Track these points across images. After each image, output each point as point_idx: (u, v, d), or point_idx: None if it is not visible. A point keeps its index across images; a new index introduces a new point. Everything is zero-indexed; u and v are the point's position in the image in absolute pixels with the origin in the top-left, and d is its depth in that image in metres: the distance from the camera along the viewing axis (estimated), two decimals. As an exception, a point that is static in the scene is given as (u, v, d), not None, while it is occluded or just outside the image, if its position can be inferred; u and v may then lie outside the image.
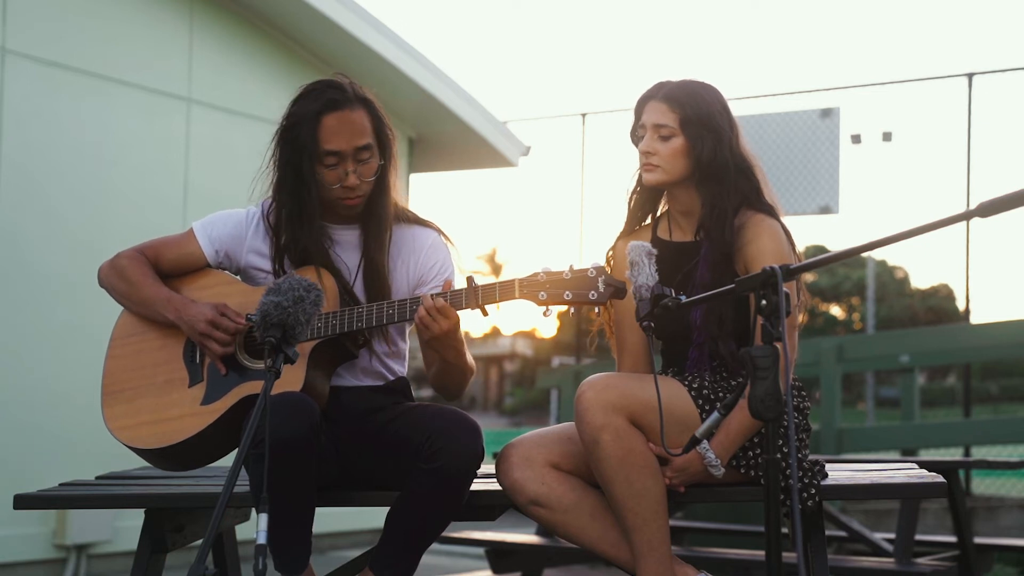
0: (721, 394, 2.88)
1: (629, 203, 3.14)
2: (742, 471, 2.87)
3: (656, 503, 2.79)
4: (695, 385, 2.89)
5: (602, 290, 2.67)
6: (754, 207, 2.97)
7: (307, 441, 2.72)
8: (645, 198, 3.13)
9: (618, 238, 3.15)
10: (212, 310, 2.94)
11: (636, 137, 3.06)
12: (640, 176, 3.07)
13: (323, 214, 3.04)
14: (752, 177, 3.00)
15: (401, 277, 3.07)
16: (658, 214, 3.16)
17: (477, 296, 2.78)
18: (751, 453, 2.86)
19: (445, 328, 2.79)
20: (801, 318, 3.04)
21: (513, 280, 2.76)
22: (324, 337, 2.88)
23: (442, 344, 2.85)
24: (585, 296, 2.68)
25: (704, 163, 2.94)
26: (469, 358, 2.97)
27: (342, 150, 2.93)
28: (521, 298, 2.73)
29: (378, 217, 3.03)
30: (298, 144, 2.94)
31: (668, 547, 2.83)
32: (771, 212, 2.98)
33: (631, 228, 3.14)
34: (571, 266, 2.71)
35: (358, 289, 3.03)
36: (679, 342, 3.01)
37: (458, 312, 2.80)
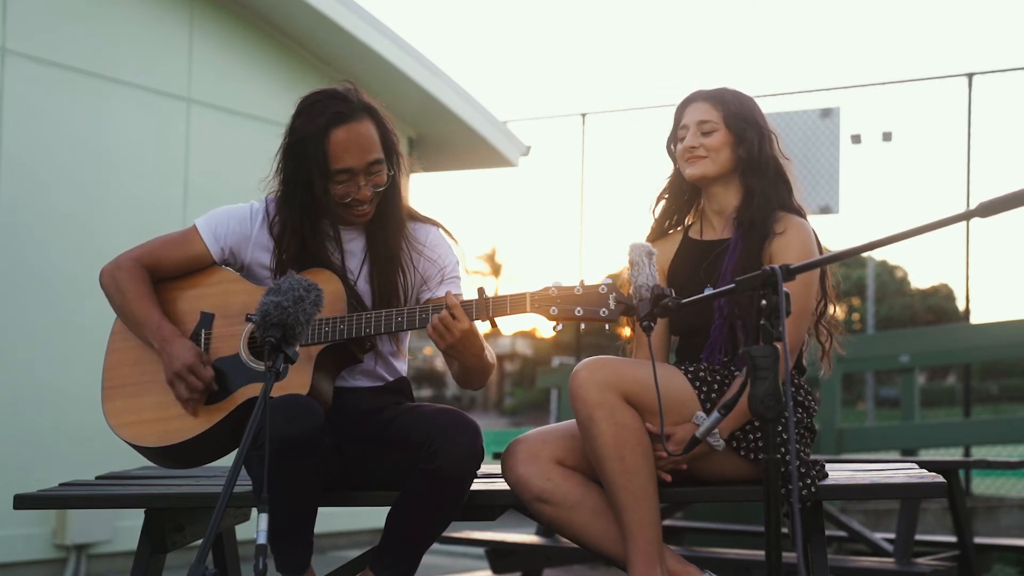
0: (719, 377, 2.92)
1: (656, 210, 3.21)
2: (742, 453, 2.88)
3: (647, 482, 2.81)
4: (691, 368, 2.92)
5: (613, 307, 2.68)
6: (786, 209, 3.06)
7: (311, 441, 2.71)
8: (675, 204, 3.20)
9: (648, 241, 3.15)
10: (195, 356, 2.90)
11: (675, 140, 3.13)
12: (669, 182, 3.17)
13: (331, 216, 3.03)
14: (787, 182, 3.10)
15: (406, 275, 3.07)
16: (688, 221, 3.22)
17: (488, 308, 2.78)
18: (751, 436, 2.88)
19: (458, 335, 2.78)
20: (835, 311, 3.19)
21: (524, 294, 2.76)
22: (332, 342, 2.88)
23: (458, 351, 2.83)
24: (596, 313, 2.68)
25: (750, 156, 3.03)
26: (489, 355, 2.96)
27: (354, 167, 2.92)
28: (532, 312, 2.74)
29: (391, 220, 3.02)
30: (306, 160, 2.91)
31: (658, 529, 2.84)
32: (801, 214, 3.08)
33: (660, 232, 3.21)
34: (582, 281, 2.71)
35: (362, 290, 3.03)
36: (695, 335, 3.04)
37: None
